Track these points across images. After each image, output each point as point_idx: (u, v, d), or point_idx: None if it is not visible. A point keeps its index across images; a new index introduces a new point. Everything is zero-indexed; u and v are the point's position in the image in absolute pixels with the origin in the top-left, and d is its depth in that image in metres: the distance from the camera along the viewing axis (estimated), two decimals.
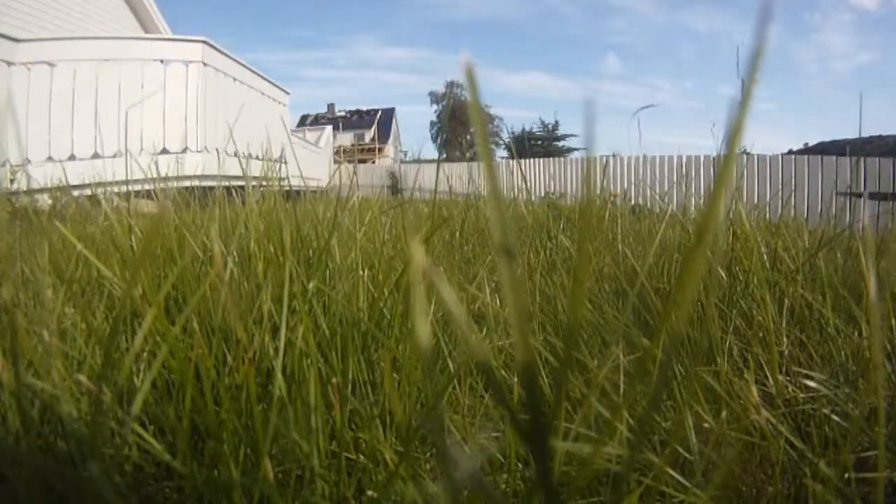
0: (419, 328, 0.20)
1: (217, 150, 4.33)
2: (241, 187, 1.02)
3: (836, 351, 0.68)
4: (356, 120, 31.71)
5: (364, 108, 33.04)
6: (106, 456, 0.43)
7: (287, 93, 6.55)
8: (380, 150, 26.68)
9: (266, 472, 0.42)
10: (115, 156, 3.85)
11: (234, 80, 5.01)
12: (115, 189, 1.50)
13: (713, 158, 6.26)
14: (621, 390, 0.52)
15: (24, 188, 2.72)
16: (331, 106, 32.87)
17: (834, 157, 5.84)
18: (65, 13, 6.61)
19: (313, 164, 7.26)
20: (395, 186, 9.42)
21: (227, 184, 1.06)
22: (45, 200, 2.32)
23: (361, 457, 0.50)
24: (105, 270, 0.56)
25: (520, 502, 0.49)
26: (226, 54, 4.78)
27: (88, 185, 1.92)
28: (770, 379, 0.61)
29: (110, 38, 4.77)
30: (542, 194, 6.38)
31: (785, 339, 0.72)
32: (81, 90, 3.91)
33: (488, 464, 0.54)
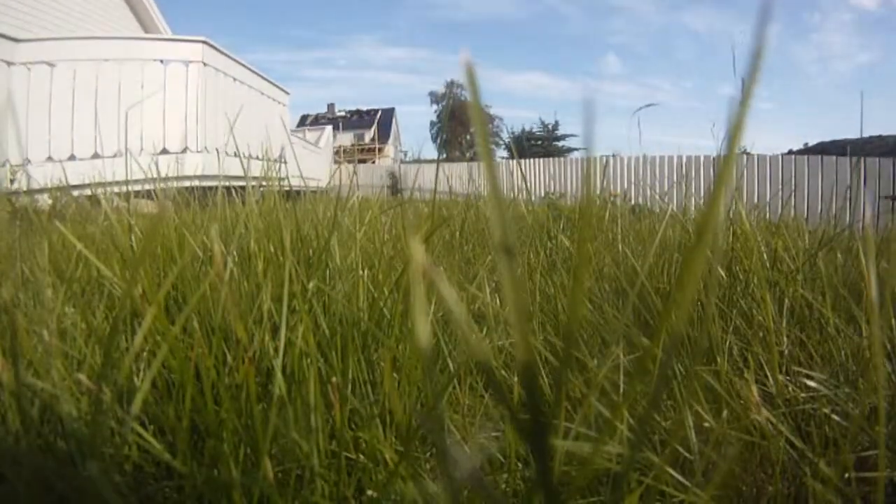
0: (419, 327, 0.20)
1: (217, 150, 4.33)
2: (242, 187, 1.02)
3: (836, 350, 0.68)
4: (356, 120, 31.71)
5: (364, 108, 33.05)
6: (106, 455, 0.43)
7: (287, 93, 6.55)
8: (380, 150, 26.68)
9: (266, 471, 0.42)
10: (115, 156, 3.85)
11: (234, 80, 5.01)
12: (115, 189, 1.50)
13: (713, 158, 6.26)
14: (621, 390, 0.52)
15: (24, 188, 2.72)
16: (331, 106, 32.87)
17: (834, 157, 5.84)
18: (65, 13, 6.61)
19: (313, 164, 7.27)
20: (394, 186, 9.42)
21: (227, 184, 1.06)
22: (45, 200, 2.32)
23: (361, 456, 0.50)
24: (105, 270, 0.56)
25: (520, 502, 0.49)
26: (226, 54, 4.78)
27: (88, 185, 1.92)
28: (770, 378, 0.61)
29: (110, 38, 4.77)
30: (542, 194, 6.39)
31: (785, 339, 0.72)
32: (81, 90, 3.92)
33: (488, 464, 0.54)
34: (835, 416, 0.55)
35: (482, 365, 0.18)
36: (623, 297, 0.85)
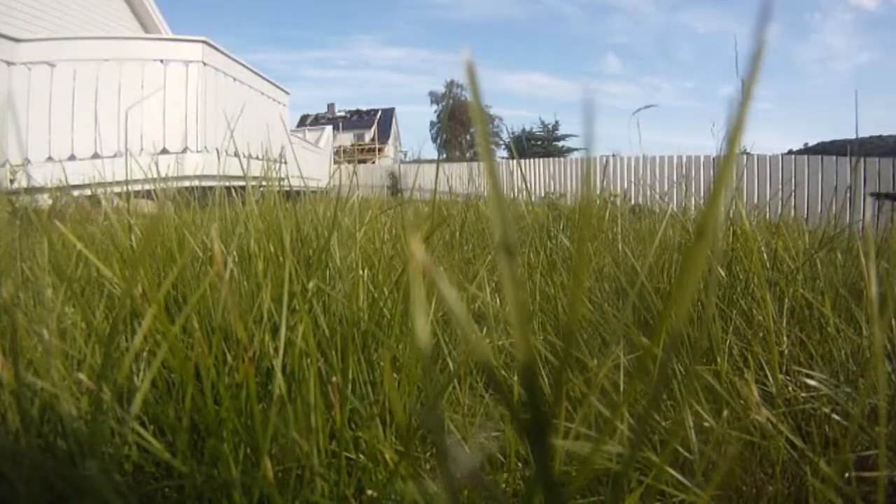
0: (419, 327, 0.20)
1: (217, 150, 4.33)
2: (242, 187, 1.02)
3: (836, 350, 0.68)
4: (356, 120, 31.70)
5: (364, 108, 33.04)
6: (106, 455, 0.43)
7: (287, 93, 6.55)
8: (380, 150, 26.68)
9: (266, 471, 0.42)
10: (115, 156, 3.85)
11: (234, 79, 5.01)
12: (115, 189, 1.50)
13: (713, 158, 6.26)
14: (621, 389, 0.52)
15: (25, 188, 2.72)
16: (331, 106, 32.87)
17: (834, 157, 5.84)
18: (64, 13, 6.61)
19: (313, 164, 7.26)
20: (394, 186, 9.42)
21: (227, 184, 1.06)
22: (45, 200, 2.32)
23: (361, 456, 0.50)
24: (105, 270, 0.56)
25: (520, 502, 0.49)
26: (226, 54, 4.78)
27: (88, 185, 1.92)
28: (770, 378, 0.61)
29: (110, 38, 4.76)
30: (542, 194, 6.39)
31: (785, 339, 0.72)
32: (81, 90, 3.92)
33: (488, 463, 0.54)
34: (835, 416, 0.55)
35: (483, 364, 0.18)
36: (623, 297, 0.85)
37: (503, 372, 0.65)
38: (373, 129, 30.44)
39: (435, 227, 0.73)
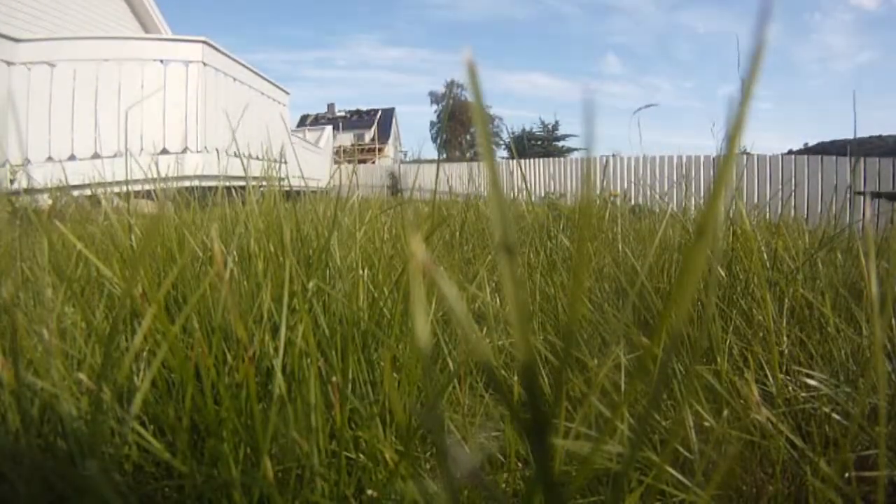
0: (419, 326, 0.20)
1: (217, 150, 4.33)
2: (242, 187, 1.02)
3: (836, 350, 0.68)
4: (356, 120, 31.70)
5: (364, 108, 33.04)
6: (106, 455, 0.43)
7: (287, 93, 6.55)
8: (380, 150, 26.67)
9: (266, 470, 0.42)
10: (114, 156, 3.85)
11: (234, 80, 5.01)
12: (115, 189, 1.50)
13: (713, 158, 6.26)
14: (622, 389, 0.52)
15: (24, 188, 2.72)
16: (331, 106, 32.86)
17: (834, 157, 5.84)
18: (64, 13, 6.61)
19: (313, 164, 7.27)
20: (394, 186, 9.42)
21: (227, 184, 1.06)
22: (45, 200, 2.32)
23: (361, 456, 0.50)
24: (105, 270, 0.56)
25: (520, 502, 0.49)
26: (226, 54, 4.78)
27: (88, 185, 1.92)
28: (770, 378, 0.61)
29: (110, 38, 4.76)
30: (542, 194, 6.39)
31: (785, 339, 0.72)
32: (81, 90, 3.92)
33: (488, 463, 0.54)
34: (835, 416, 0.55)
35: (483, 364, 0.18)
36: (623, 297, 0.85)
37: (503, 372, 0.65)
38: (373, 129, 30.44)
39: (435, 226, 0.73)
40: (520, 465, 0.54)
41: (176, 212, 1.01)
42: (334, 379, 0.48)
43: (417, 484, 0.40)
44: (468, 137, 34.68)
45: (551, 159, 9.09)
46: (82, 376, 0.44)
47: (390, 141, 30.60)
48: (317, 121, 28.96)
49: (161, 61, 4.27)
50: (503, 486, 0.51)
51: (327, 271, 0.74)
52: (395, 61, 69.44)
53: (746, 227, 0.91)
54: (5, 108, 3.48)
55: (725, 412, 0.51)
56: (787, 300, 0.80)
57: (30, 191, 2.61)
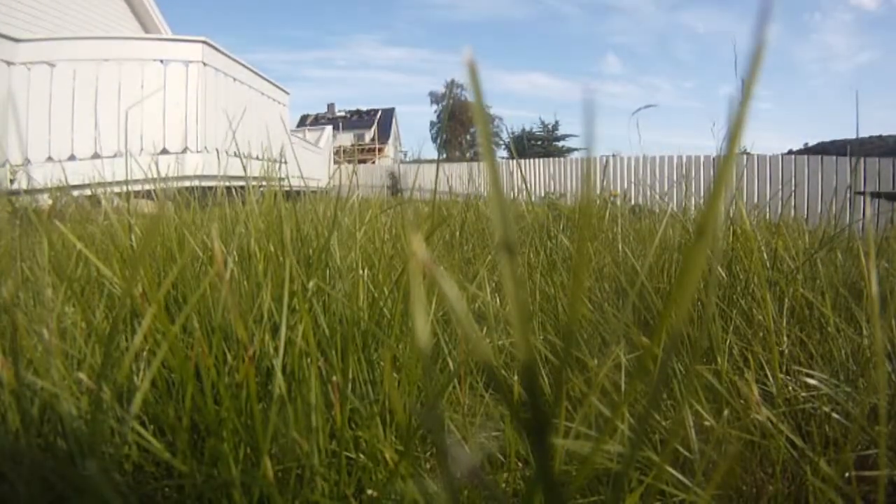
0: (418, 325, 0.20)
1: (217, 150, 4.33)
2: (242, 187, 1.02)
3: (837, 350, 0.68)
4: (356, 120, 31.70)
5: (364, 108, 33.05)
6: (106, 454, 0.43)
7: (287, 93, 6.55)
8: (380, 150, 26.67)
9: (266, 470, 0.42)
10: (114, 156, 3.85)
11: (234, 80, 5.01)
12: (115, 189, 1.50)
13: (713, 158, 6.26)
14: (622, 389, 0.52)
15: (24, 188, 2.72)
16: (331, 106, 32.87)
17: (834, 157, 5.84)
18: (64, 13, 6.61)
19: (313, 164, 7.27)
20: (394, 186, 9.42)
21: (227, 184, 1.06)
22: (45, 200, 2.32)
23: (361, 456, 0.50)
24: (105, 269, 0.56)
25: (520, 501, 0.49)
26: (226, 54, 4.78)
27: (88, 185, 1.92)
28: (770, 378, 0.61)
29: (110, 38, 4.76)
30: (542, 194, 6.38)
31: (785, 338, 0.72)
32: (81, 90, 3.92)
33: (489, 463, 0.54)
34: (835, 415, 0.55)
35: (483, 364, 0.18)
36: (623, 297, 0.85)
37: (503, 371, 0.65)
38: (373, 129, 30.44)
39: (435, 226, 0.73)
40: (520, 464, 0.54)
41: (176, 212, 1.01)
42: (334, 379, 0.48)
43: (417, 484, 0.40)
44: (468, 137, 34.69)
45: (551, 159, 9.09)
46: (82, 376, 0.44)
47: (390, 141, 30.59)
48: (317, 121, 28.96)
49: (161, 61, 4.27)
50: (503, 485, 0.51)
51: (327, 271, 0.74)
52: (395, 61, 69.50)
53: (746, 227, 0.91)
54: (5, 108, 3.48)
55: (725, 412, 0.51)
56: (787, 300, 0.80)
57: (30, 191, 2.61)
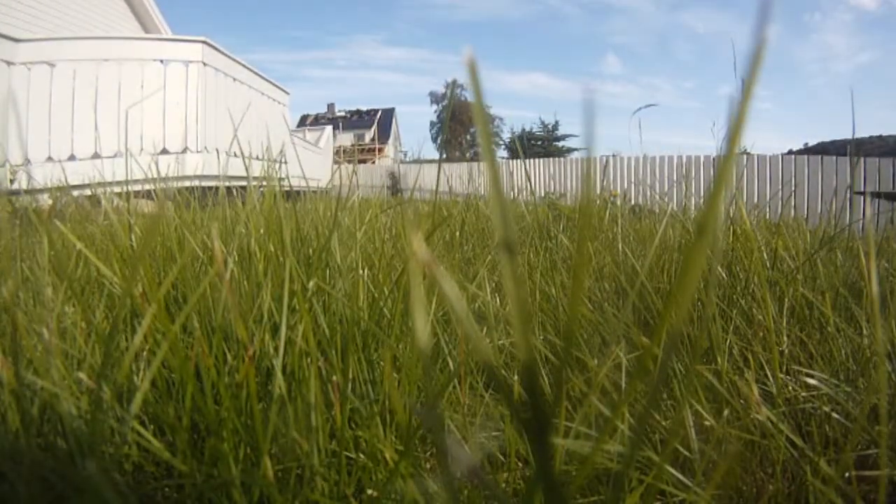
0: (418, 325, 0.20)
1: (217, 150, 4.33)
2: (242, 187, 1.02)
3: (837, 350, 0.68)
4: (356, 120, 31.70)
5: (364, 108, 33.06)
6: (105, 454, 0.43)
7: (287, 93, 6.55)
8: (380, 150, 26.66)
9: (266, 470, 0.42)
10: (114, 156, 3.85)
11: (234, 80, 5.01)
12: (115, 189, 1.50)
13: (713, 158, 6.26)
14: (622, 389, 0.52)
15: (24, 188, 2.72)
16: (331, 106, 32.87)
17: (834, 157, 5.84)
18: (64, 13, 6.61)
19: (313, 164, 7.27)
20: (394, 187, 9.42)
21: (227, 184, 1.06)
22: (45, 200, 2.32)
23: (361, 455, 0.50)
24: (105, 269, 0.56)
25: (520, 501, 0.49)
26: (226, 54, 4.78)
27: (88, 185, 1.92)
28: (770, 377, 0.61)
29: (110, 38, 4.76)
30: (542, 194, 6.38)
31: (785, 338, 0.72)
32: (81, 90, 3.91)
33: (489, 463, 0.54)
34: (835, 415, 0.55)
35: (483, 363, 0.18)
36: (623, 297, 0.85)
37: (503, 371, 0.65)
38: (373, 129, 30.44)
39: (435, 226, 0.73)
40: (520, 464, 0.54)
41: (176, 212, 1.01)
42: (334, 378, 0.48)
43: (417, 483, 0.40)
44: (468, 137, 34.70)
45: (551, 159, 9.08)
46: (82, 376, 0.44)
47: (390, 141, 30.59)
48: (317, 121, 28.97)
49: (161, 61, 4.26)
50: (503, 485, 0.51)
51: (327, 271, 0.74)
52: (395, 61, 69.52)
53: (746, 227, 0.91)
54: (5, 108, 3.48)
55: (726, 412, 0.51)
56: (787, 300, 0.80)
57: (30, 191, 2.61)
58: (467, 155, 33.25)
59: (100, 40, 4.39)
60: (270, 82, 6.01)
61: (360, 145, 25.37)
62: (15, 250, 0.74)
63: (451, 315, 0.71)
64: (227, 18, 74.00)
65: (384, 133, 30.84)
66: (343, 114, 32.22)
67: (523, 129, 31.23)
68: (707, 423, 0.51)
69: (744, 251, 0.90)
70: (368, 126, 30.82)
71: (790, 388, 0.62)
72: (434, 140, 35.73)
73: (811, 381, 0.58)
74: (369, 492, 0.48)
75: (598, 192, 1.95)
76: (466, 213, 1.72)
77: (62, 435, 0.43)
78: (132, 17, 8.40)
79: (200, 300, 0.60)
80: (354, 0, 69.50)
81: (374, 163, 19.08)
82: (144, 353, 0.56)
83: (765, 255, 0.93)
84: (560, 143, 31.31)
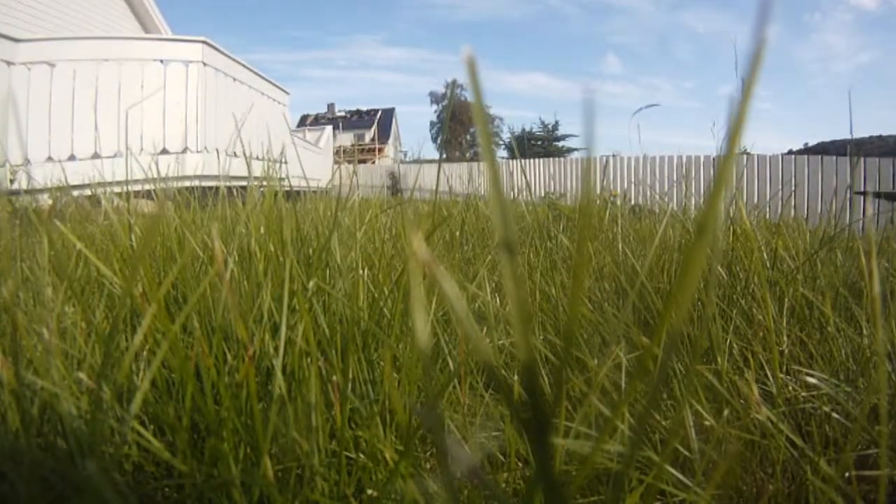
0: (418, 325, 0.20)
1: (217, 149, 4.33)
2: (242, 187, 1.02)
3: (837, 349, 0.68)
4: (356, 120, 31.70)
5: (364, 108, 33.05)
6: (105, 454, 0.43)
7: (287, 93, 6.55)
8: (380, 150, 26.66)
9: (266, 470, 0.42)
10: (114, 156, 3.85)
11: (234, 80, 5.01)
12: (115, 189, 1.50)
13: (713, 158, 6.26)
14: (622, 389, 0.52)
15: (24, 188, 2.72)
16: (331, 106, 32.86)
17: (834, 157, 5.84)
18: (64, 13, 6.61)
19: (314, 164, 7.27)
20: (394, 187, 9.41)
21: (227, 184, 1.06)
22: (45, 200, 2.32)
23: (361, 455, 0.50)
24: (105, 269, 0.56)
25: (520, 501, 0.49)
26: (226, 54, 4.78)
27: (88, 185, 1.92)
28: (770, 377, 0.61)
29: (110, 38, 4.76)
30: (542, 194, 6.38)
31: (785, 338, 0.72)
32: (81, 90, 3.91)
33: (489, 463, 0.54)
34: (835, 415, 0.55)
35: (483, 363, 0.18)
36: (623, 297, 0.85)
37: (503, 371, 0.65)
38: (373, 129, 30.43)
39: (435, 226, 0.73)
40: (520, 464, 0.54)
41: (176, 211, 1.01)
42: (334, 378, 0.48)
43: (417, 483, 0.40)
44: (468, 137, 34.71)
45: (551, 159, 9.08)
46: (82, 376, 0.44)
47: (390, 141, 30.59)
48: (317, 121, 28.97)
49: (161, 61, 4.26)
50: (503, 485, 0.51)
51: (327, 271, 0.74)
52: (395, 61, 69.53)
53: (746, 227, 0.91)
54: (5, 108, 3.48)
55: (726, 412, 0.51)
56: (787, 300, 0.80)
57: (30, 191, 2.60)
58: (467, 155, 33.26)
59: (100, 40, 4.38)
60: (270, 82, 6.01)
61: (360, 145, 25.37)
62: (15, 250, 0.74)
63: (451, 315, 0.71)
64: (227, 18, 74.04)
65: (384, 133, 30.83)
66: (343, 114, 32.22)
67: (523, 129, 31.26)
68: (707, 422, 0.51)
69: (744, 251, 0.90)
70: (368, 126, 30.82)
71: (790, 387, 0.62)
72: (434, 140, 35.75)
73: (811, 381, 0.58)
74: (369, 492, 0.48)
75: (598, 192, 1.95)
76: (466, 213, 1.72)
77: (62, 435, 0.43)
78: (132, 17, 8.40)
79: (200, 300, 0.60)
80: (354, 0, 69.53)
81: (374, 163, 19.07)
82: (144, 353, 0.56)
83: (765, 254, 0.93)
84: (560, 143, 31.31)
